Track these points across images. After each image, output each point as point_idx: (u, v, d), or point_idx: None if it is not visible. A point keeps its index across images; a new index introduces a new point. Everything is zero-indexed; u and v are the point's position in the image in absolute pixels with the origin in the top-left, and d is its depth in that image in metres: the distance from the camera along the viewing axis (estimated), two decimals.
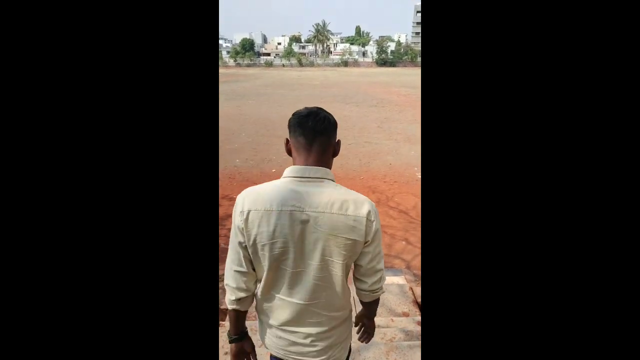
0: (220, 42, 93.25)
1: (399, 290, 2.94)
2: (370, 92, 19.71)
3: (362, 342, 1.25)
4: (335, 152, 1.05)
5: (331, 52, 73.50)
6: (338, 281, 1.00)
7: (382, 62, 57.45)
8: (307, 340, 1.06)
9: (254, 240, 0.96)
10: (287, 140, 1.05)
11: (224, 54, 68.46)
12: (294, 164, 1.01)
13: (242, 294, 1.03)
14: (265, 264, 0.98)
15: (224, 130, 9.00)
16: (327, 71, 43.15)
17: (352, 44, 76.23)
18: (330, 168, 1.03)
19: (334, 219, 0.93)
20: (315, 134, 0.98)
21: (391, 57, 58.32)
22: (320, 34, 72.07)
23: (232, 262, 1.02)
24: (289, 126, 1.02)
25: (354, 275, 1.08)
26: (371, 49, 67.39)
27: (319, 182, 0.97)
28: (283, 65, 58.94)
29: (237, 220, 0.98)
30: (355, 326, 1.25)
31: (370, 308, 1.18)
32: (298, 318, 1.03)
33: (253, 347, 1.15)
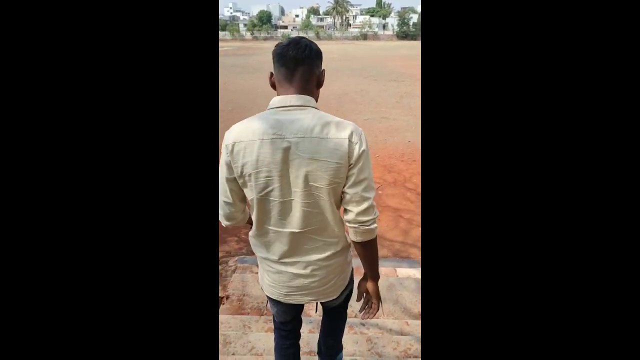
0: (238, 14, 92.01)
1: (416, 286, 2.58)
2: (390, 65, 18.84)
3: (365, 318, 1.15)
4: (320, 83, 1.03)
5: (350, 25, 71.17)
6: (327, 207, 0.99)
7: (404, 35, 55.05)
8: (307, 270, 1.07)
9: (242, 172, 0.97)
10: (271, 73, 1.02)
11: (240, 27, 67.30)
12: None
13: (229, 222, 1.09)
14: (254, 196, 0.99)
15: (235, 105, 8.64)
16: (345, 44, 41.82)
17: (372, 16, 73.60)
18: (316, 99, 1.01)
19: (314, 142, 0.92)
20: (297, 63, 0.97)
21: (413, 30, 55.70)
22: (339, 5, 69.61)
23: (221, 193, 1.04)
24: (273, 58, 1.00)
25: (342, 208, 1.03)
26: (392, 21, 64.81)
27: (300, 110, 0.96)
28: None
29: (223, 155, 0.99)
30: (357, 300, 1.20)
31: (365, 255, 1.08)
32: (295, 247, 1.04)
33: None
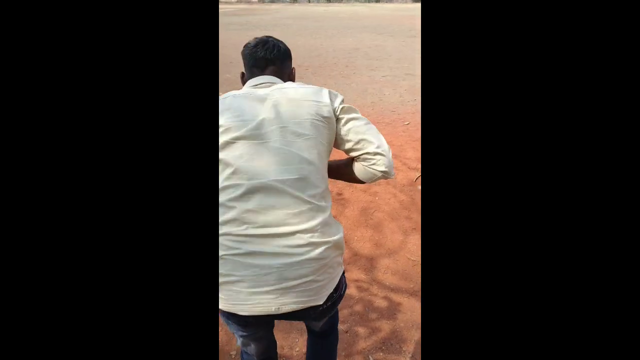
0: None
1: None
2: (407, 23, 16.73)
3: None
4: (291, 81, 1.04)
5: None
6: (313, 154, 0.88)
7: None
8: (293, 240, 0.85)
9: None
10: (243, 73, 1.04)
11: None
12: None
13: None
14: (224, 139, 0.85)
15: (224, 58, 7.05)
16: (356, 6, 38.92)
17: None
18: None
19: (291, 90, 0.90)
20: (267, 63, 0.98)
21: None
22: None
23: None
24: (243, 60, 1.01)
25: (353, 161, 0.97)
26: None
27: (274, 84, 0.95)
28: (309, 1, 54.44)
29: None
30: None
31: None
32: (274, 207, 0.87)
33: None
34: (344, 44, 10.08)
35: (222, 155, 0.83)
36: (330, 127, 0.89)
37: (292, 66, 1.06)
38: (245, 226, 0.82)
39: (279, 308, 0.83)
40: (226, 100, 0.89)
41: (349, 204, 2.69)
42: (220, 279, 0.83)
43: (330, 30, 13.61)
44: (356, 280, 1.97)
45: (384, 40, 10.90)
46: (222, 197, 0.83)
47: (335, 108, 0.90)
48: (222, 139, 0.83)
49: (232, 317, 0.88)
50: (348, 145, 0.91)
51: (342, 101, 0.92)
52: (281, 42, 1.02)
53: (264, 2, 54.42)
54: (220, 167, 0.84)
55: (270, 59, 0.97)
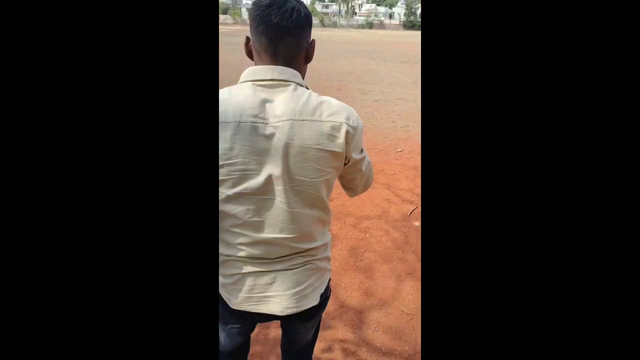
0: None
1: None
2: (400, 49, 16.96)
3: None
4: (309, 57, 0.83)
5: (356, 14, 68.80)
6: (315, 202, 0.82)
7: (411, 25, 53.12)
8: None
9: None
10: (248, 38, 0.80)
11: (243, 11, 65.03)
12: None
13: None
14: (224, 191, 0.78)
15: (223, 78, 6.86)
16: (350, 32, 39.81)
17: (378, 5, 71.25)
18: (303, 75, 0.82)
19: (305, 127, 0.74)
20: (281, 33, 0.75)
21: (420, 20, 53.71)
22: None
23: None
24: (250, 22, 0.77)
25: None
26: (399, 10, 62.71)
27: (285, 86, 0.76)
28: None
29: None
30: None
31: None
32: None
33: None
34: (337, 67, 10.04)
35: (227, 207, 0.79)
36: (339, 166, 0.81)
37: (312, 37, 0.83)
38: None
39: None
40: (228, 117, 0.73)
41: (337, 242, 2.42)
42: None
43: (324, 53, 13.66)
44: (342, 341, 1.67)
45: (377, 64, 10.92)
46: (229, 239, 0.83)
47: (349, 158, 0.81)
48: (226, 191, 0.77)
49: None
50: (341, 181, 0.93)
51: (362, 150, 0.84)
52: (302, 4, 0.77)
53: None
54: (225, 217, 0.80)
55: (286, 27, 0.74)
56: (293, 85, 0.76)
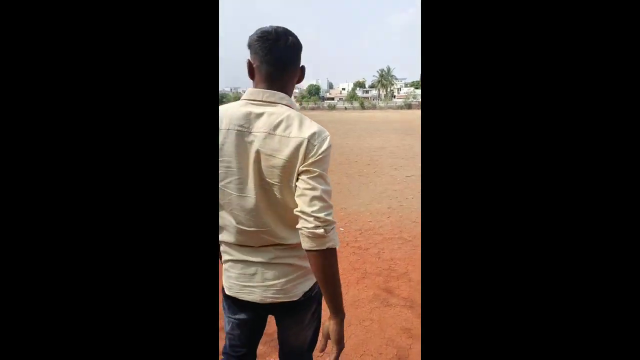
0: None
1: None
2: None
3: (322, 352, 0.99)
4: (300, 79, 1.02)
5: (394, 96, 72.66)
6: (281, 203, 0.94)
7: None
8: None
9: None
10: (250, 62, 0.97)
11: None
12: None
13: None
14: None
15: None
16: (389, 112, 41.74)
17: (417, 88, 74.99)
18: (291, 94, 0.99)
19: (275, 140, 0.90)
20: (275, 61, 0.93)
21: None
22: (384, 78, 72.05)
23: None
24: (249, 48, 0.96)
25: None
26: None
27: (272, 105, 0.94)
28: (345, 108, 59.28)
29: None
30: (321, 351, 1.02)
31: (316, 273, 0.90)
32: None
33: None
34: (370, 144, 10.33)
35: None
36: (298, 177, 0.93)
37: (302, 64, 1.00)
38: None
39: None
40: (223, 125, 0.92)
41: None
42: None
43: (360, 131, 14.24)
44: None
45: (412, 140, 11.10)
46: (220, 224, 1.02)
47: (306, 167, 0.89)
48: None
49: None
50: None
51: (321, 155, 0.90)
52: (292, 34, 0.95)
53: (304, 108, 60.13)
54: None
55: (279, 57, 0.93)
56: (279, 105, 0.93)
